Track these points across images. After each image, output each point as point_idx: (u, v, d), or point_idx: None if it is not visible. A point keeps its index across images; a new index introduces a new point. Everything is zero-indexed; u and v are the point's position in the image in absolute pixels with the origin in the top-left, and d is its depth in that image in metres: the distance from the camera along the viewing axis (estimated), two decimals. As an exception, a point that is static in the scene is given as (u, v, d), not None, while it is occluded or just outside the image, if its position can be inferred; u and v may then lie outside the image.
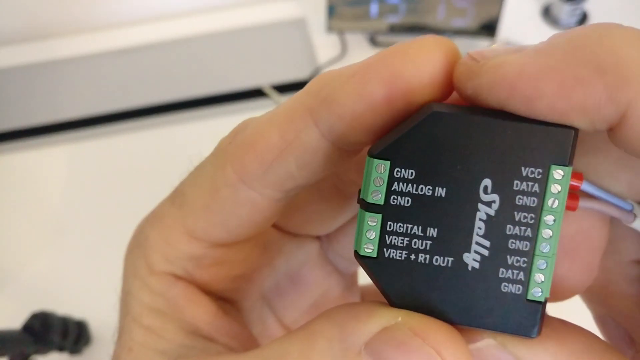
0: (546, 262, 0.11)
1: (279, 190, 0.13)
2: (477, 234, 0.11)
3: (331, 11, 0.66)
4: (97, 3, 0.75)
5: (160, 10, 0.78)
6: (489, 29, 0.64)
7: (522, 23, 0.71)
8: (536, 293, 0.11)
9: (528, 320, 0.11)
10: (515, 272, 0.11)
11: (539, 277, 0.11)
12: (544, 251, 0.11)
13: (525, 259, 0.11)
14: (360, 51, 0.69)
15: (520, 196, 0.10)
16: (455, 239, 0.11)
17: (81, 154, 0.62)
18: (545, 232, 0.11)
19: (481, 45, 0.64)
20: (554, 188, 0.10)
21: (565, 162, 0.10)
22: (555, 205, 0.10)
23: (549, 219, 0.11)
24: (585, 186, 0.12)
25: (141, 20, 0.77)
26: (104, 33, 0.75)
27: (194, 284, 0.15)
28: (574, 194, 0.11)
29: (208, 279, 0.15)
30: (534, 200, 0.10)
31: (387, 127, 0.11)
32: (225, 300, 0.16)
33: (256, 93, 0.66)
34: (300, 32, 0.72)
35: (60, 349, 0.46)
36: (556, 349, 0.11)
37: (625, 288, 0.14)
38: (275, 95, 0.65)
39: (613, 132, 0.10)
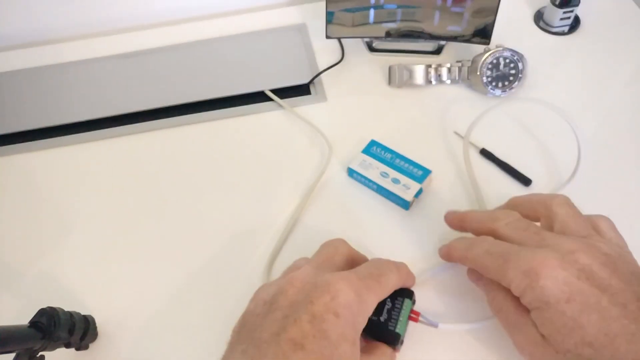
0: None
1: None
2: None
3: (330, 17, 0.67)
4: (100, 8, 0.77)
5: (164, 16, 0.79)
6: (483, 34, 0.65)
7: (515, 28, 0.72)
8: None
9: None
10: None
11: None
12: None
13: None
14: (358, 57, 0.71)
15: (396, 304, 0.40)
16: None
17: (85, 156, 0.64)
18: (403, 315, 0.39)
19: (476, 49, 0.65)
20: (405, 305, 0.39)
21: (411, 298, 0.40)
22: (404, 309, 0.39)
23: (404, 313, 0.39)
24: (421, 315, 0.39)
25: (145, 25, 0.78)
26: (109, 37, 0.76)
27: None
28: (417, 315, 0.39)
29: None
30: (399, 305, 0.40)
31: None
32: None
33: (258, 96, 0.68)
34: (302, 36, 0.74)
35: (67, 345, 0.46)
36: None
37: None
38: (277, 98, 0.67)
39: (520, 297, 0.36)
